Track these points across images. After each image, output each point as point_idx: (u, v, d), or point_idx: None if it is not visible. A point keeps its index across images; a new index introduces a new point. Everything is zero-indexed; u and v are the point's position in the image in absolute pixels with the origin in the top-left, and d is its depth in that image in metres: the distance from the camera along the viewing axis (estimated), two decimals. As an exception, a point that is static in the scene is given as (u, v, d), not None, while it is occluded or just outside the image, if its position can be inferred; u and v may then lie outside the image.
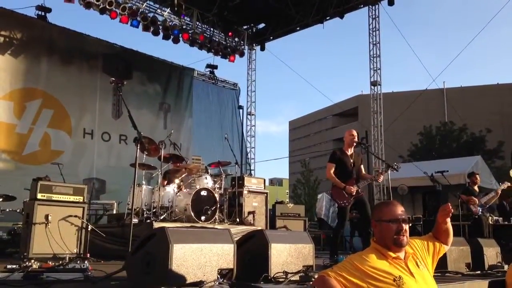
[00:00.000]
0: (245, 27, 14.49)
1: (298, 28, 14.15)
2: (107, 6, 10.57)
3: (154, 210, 6.69)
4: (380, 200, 11.89)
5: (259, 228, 6.87)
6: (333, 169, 5.94)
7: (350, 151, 6.07)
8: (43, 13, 10.71)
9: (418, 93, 21.52)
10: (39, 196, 5.86)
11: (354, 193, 5.80)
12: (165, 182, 7.26)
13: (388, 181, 6.30)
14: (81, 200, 6.18)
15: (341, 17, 13.14)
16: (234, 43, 14.07)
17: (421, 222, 9.70)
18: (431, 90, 25.61)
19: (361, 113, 42.56)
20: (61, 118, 10.52)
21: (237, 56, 13.97)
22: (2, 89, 9.74)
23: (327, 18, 13.46)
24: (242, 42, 14.24)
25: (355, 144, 6.12)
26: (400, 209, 2.37)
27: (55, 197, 5.97)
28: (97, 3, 10.38)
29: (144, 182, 7.15)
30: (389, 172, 6.11)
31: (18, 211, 6.81)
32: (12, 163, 9.47)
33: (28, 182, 6.57)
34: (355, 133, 6.15)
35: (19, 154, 9.69)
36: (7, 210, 6.88)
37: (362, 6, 12.97)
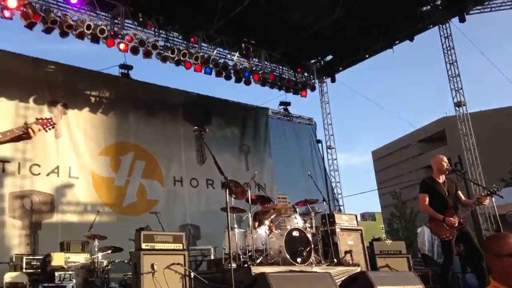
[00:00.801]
0: (312, 61, 14.68)
1: (367, 56, 14.09)
2: (181, 58, 11.20)
3: (249, 253, 6.77)
4: (489, 230, 11.11)
5: (359, 269, 6.67)
6: (427, 200, 5.61)
7: (442, 179, 5.75)
8: (126, 71, 11.59)
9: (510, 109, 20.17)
10: (143, 246, 6.17)
11: (456, 224, 5.43)
12: (256, 224, 7.38)
13: (494, 209, 5.87)
14: (181, 248, 6.41)
15: (411, 40, 12.93)
16: (304, 78, 14.26)
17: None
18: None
19: (449, 136, 40.48)
20: (153, 168, 11.13)
21: (308, 90, 14.11)
22: (98, 145, 10.55)
23: (396, 42, 13.31)
24: (311, 76, 14.40)
25: (447, 171, 5.80)
26: None
27: (158, 246, 6.25)
28: (172, 55, 11.04)
29: (236, 226, 7.31)
30: (493, 198, 5.60)
31: (126, 261, 7.22)
32: (115, 215, 10.10)
33: (130, 232, 6.99)
34: (445, 158, 5.84)
35: (120, 206, 10.33)
36: (116, 261, 7.34)
37: (431, 26, 12.70)
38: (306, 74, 14.39)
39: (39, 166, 9.54)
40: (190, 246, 8.36)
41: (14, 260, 7.28)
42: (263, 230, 7.11)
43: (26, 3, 8.89)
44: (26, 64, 10.02)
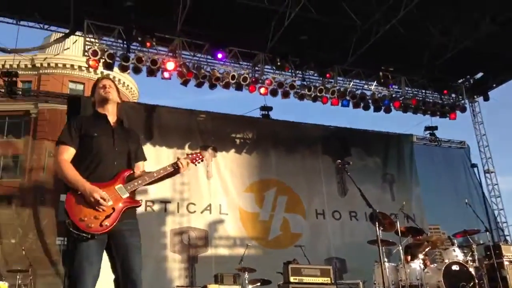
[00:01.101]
0: (460, 80, 13.54)
1: (526, 70, 12.46)
2: (318, 94, 11.34)
3: (402, 288, 6.33)
4: None
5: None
6: None
7: None
8: (266, 112, 12.18)
9: None
10: (291, 279, 6.21)
11: None
12: (409, 258, 6.90)
13: None
14: (329, 282, 6.32)
15: None
16: (451, 100, 13.18)
17: None
18: None
19: None
20: (294, 202, 11.29)
21: (458, 112, 12.95)
22: (243, 183, 11.13)
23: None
24: (460, 97, 13.23)
25: None
26: None
27: (306, 279, 6.25)
28: (309, 93, 11.25)
29: (386, 259, 6.90)
30: None
31: (274, 294, 7.30)
32: (261, 248, 10.36)
33: (276, 265, 7.07)
34: None
35: (266, 239, 10.62)
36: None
37: None
38: (453, 95, 13.28)
39: (194, 204, 10.43)
40: (337, 280, 8.09)
41: (172, 291, 7.90)
42: (417, 264, 6.70)
43: (181, 63, 10.02)
44: (182, 116, 11.23)
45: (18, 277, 7.76)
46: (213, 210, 10.49)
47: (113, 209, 2.91)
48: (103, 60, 9.25)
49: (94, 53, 9.07)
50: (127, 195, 3.00)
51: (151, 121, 10.79)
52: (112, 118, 3.26)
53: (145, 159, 3.38)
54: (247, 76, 10.59)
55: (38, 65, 24.04)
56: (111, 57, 9.30)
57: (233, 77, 10.45)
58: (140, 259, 2.99)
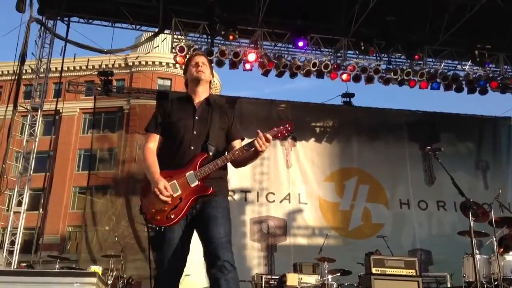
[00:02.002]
0: None
1: None
2: (405, 77, 10.79)
3: (495, 282, 5.83)
4: None
5: None
6: None
7: None
8: (348, 99, 11.87)
9: None
10: (373, 270, 6.01)
11: None
12: (501, 250, 6.33)
13: None
14: (415, 274, 6.02)
15: None
16: (558, 77, 11.78)
17: None
18: None
19: None
20: (377, 191, 10.95)
21: None
22: (323, 172, 11.01)
23: None
24: None
25: None
26: None
27: (389, 271, 6.02)
28: (395, 76, 10.73)
29: (477, 251, 6.38)
30: None
31: (355, 285, 7.14)
32: (341, 238, 10.25)
33: (356, 256, 6.90)
34: None
35: (346, 229, 10.47)
36: (346, 284, 7.34)
37: None
38: (560, 71, 11.86)
39: (273, 194, 10.55)
40: (422, 272, 7.67)
41: (255, 279, 8.06)
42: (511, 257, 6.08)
43: (263, 54, 10.13)
44: (263, 106, 11.38)
45: (110, 261, 8.37)
46: (292, 200, 10.51)
47: (181, 199, 2.74)
48: (189, 55, 9.65)
49: (181, 49, 9.46)
50: (197, 182, 2.76)
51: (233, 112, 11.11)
52: (199, 99, 3.03)
53: (241, 138, 3.05)
54: (328, 63, 10.38)
55: (130, 63, 25.89)
56: (196, 52, 9.68)
57: (314, 65, 10.30)
58: (220, 227, 2.74)
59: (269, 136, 2.82)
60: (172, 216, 2.71)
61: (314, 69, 10.29)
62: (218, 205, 2.82)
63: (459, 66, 11.49)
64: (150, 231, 2.80)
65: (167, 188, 2.72)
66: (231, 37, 9.64)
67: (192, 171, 2.79)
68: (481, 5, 9.32)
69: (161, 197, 2.70)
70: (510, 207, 9.39)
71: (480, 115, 12.33)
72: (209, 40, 9.89)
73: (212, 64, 10.04)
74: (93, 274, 4.89)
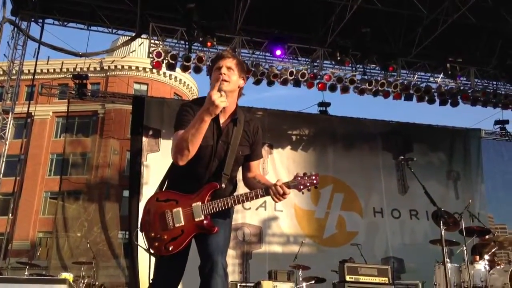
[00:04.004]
0: (537, 69, 12.51)
1: None
2: (379, 88, 10.96)
3: (466, 291, 5.96)
4: None
5: None
6: None
7: None
8: (324, 108, 11.99)
9: None
10: (347, 278, 6.06)
11: None
12: (477, 258, 6.51)
13: None
14: (387, 282, 6.11)
15: None
16: (525, 91, 12.23)
17: None
18: None
19: None
20: (351, 200, 11.08)
21: (532, 104, 12.00)
22: (300, 182, 11.05)
23: None
24: (535, 87, 12.26)
25: None
26: None
27: (362, 278, 6.08)
28: (370, 87, 10.90)
29: (448, 260, 6.52)
30: None
31: (328, 293, 7.17)
32: (315, 246, 10.30)
33: (331, 263, 6.94)
34: None
35: (321, 237, 10.54)
36: (320, 292, 7.36)
37: None
38: (528, 86, 12.32)
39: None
40: (394, 280, 7.78)
41: (229, 286, 7.97)
42: (481, 265, 6.30)
43: None
44: (239, 113, 11.38)
45: (82, 268, 8.19)
46: (268, 207, 10.51)
47: (182, 231, 2.55)
48: (166, 61, 9.59)
49: (158, 55, 9.40)
50: (201, 218, 2.55)
51: (209, 118, 11.08)
52: (224, 116, 2.68)
53: (260, 157, 2.91)
54: (305, 72, 10.48)
55: (106, 67, 25.53)
56: (174, 57, 9.59)
57: (291, 73, 10.38)
58: (218, 244, 2.61)
59: (287, 190, 2.64)
60: (170, 248, 2.55)
61: (291, 77, 10.38)
62: (220, 223, 2.67)
63: (431, 79, 11.78)
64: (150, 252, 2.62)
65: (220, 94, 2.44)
66: (209, 44, 9.64)
67: (199, 203, 2.59)
68: (453, 20, 9.60)
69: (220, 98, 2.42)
70: (480, 216, 9.62)
71: (451, 126, 12.68)
72: (187, 46, 9.85)
73: (190, 71, 10.07)
74: (63, 281, 4.78)
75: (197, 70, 9.92)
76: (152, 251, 2.57)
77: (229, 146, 2.67)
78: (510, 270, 5.78)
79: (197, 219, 2.56)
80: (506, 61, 11.64)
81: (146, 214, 2.64)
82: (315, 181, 2.70)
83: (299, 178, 2.70)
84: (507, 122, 12.57)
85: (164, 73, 25.46)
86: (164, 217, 2.57)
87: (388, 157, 11.43)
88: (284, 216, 10.52)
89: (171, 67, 9.86)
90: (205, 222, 2.56)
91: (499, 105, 11.89)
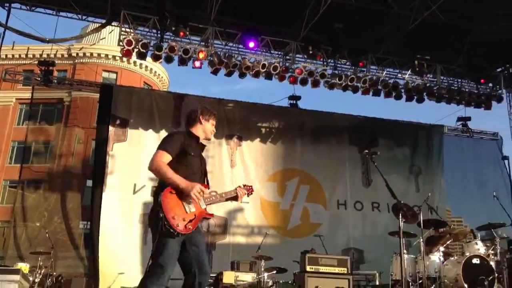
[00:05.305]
0: (499, 69, 12.93)
1: None
2: (349, 83, 11.11)
3: (420, 281, 6.16)
4: None
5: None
6: None
7: None
8: (294, 101, 12.05)
9: None
10: (308, 268, 6.16)
11: None
12: (433, 250, 6.71)
13: None
14: (346, 272, 6.23)
15: None
16: (488, 90, 12.62)
17: None
18: None
19: None
20: (316, 192, 11.24)
21: (494, 102, 12.41)
22: (266, 172, 11.16)
23: None
24: (497, 86, 12.68)
25: None
26: None
27: (322, 269, 6.19)
28: (339, 82, 11.04)
29: (405, 251, 6.72)
30: None
31: (290, 282, 7.30)
32: (279, 237, 10.43)
33: (293, 254, 7.04)
34: None
35: (285, 228, 10.66)
36: (281, 281, 7.48)
37: None
38: (491, 84, 12.71)
39: (215, 192, 10.47)
40: (354, 270, 7.97)
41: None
42: (436, 257, 6.54)
43: (213, 52, 10.07)
44: (210, 104, 11.09)
45: (39, 258, 8.05)
46: (234, 199, 10.57)
47: (195, 215, 3.43)
48: (137, 49, 9.45)
49: (129, 43, 9.25)
50: (205, 207, 3.54)
51: (179, 109, 10.99)
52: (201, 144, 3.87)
53: None
54: (277, 65, 10.52)
55: (74, 54, 24.89)
56: (144, 46, 9.46)
57: (263, 66, 10.40)
58: (206, 251, 3.56)
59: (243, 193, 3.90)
60: (190, 227, 3.38)
61: (263, 70, 10.40)
62: (204, 236, 3.79)
63: (399, 75, 12.02)
64: (165, 231, 3.27)
65: (202, 191, 3.41)
66: (181, 34, 9.58)
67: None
68: (423, 18, 9.79)
69: (199, 196, 3.41)
70: (438, 209, 9.92)
71: (416, 122, 12.95)
72: (159, 35, 9.73)
73: (161, 60, 9.96)
74: (16, 271, 4.69)
75: (169, 60, 9.84)
76: (175, 230, 3.27)
77: (203, 158, 3.84)
78: (463, 261, 5.98)
79: (203, 207, 3.51)
80: (471, 60, 12.02)
81: (167, 203, 3.35)
82: (251, 190, 3.94)
83: (245, 187, 3.91)
84: (469, 119, 12.94)
85: (134, 62, 25.02)
86: (182, 205, 3.39)
87: (354, 150, 11.62)
88: (249, 207, 10.58)
89: (141, 56, 9.73)
90: (207, 210, 3.55)
91: (463, 102, 12.24)
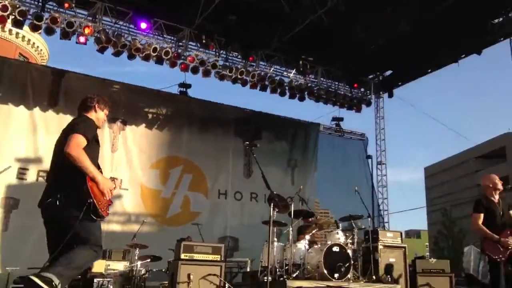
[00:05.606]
0: (370, 76, 14.28)
1: (429, 70, 13.42)
2: (238, 76, 11.39)
3: (286, 267, 6.60)
4: None
5: (398, 287, 6.29)
6: (481, 220, 5.40)
7: (496, 198, 5.55)
8: (184, 89, 11.94)
9: None
10: (182, 256, 6.22)
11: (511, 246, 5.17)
12: (299, 239, 7.24)
13: None
14: (219, 259, 6.42)
15: (479, 53, 12.03)
16: (360, 94, 13.93)
17: None
18: None
19: (509, 153, 38.10)
20: (199, 181, 11.34)
21: (363, 106, 13.75)
22: (149, 159, 10.94)
23: (462, 55, 12.52)
24: (368, 91, 14.04)
25: (502, 190, 5.59)
26: None
27: (196, 256, 6.31)
28: (230, 74, 11.25)
29: (275, 239, 7.15)
30: None
31: (163, 270, 7.31)
32: (157, 225, 10.33)
33: (171, 242, 7.06)
34: (497, 178, 5.68)
35: (163, 216, 10.59)
36: (154, 270, 7.44)
37: (502, 39, 11.76)
38: (362, 89, 14.04)
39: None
40: (228, 258, 8.28)
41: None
42: (302, 245, 7.01)
43: (101, 29, 9.53)
44: (94, 85, 10.61)
45: None
46: (113, 185, 10.21)
47: (111, 201, 3.77)
48: (13, 17, 8.69)
49: (4, 8, 8.46)
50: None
51: (58, 86, 10.20)
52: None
53: None
54: (169, 50, 10.37)
55: None
56: (22, 14, 8.72)
57: (154, 50, 10.18)
58: None
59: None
60: (108, 212, 3.74)
61: (154, 54, 10.20)
62: None
63: (285, 73, 12.65)
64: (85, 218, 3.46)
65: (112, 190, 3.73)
66: (66, 5, 9.04)
67: None
68: (310, 20, 10.34)
69: (110, 194, 3.69)
70: (308, 201, 10.69)
71: (296, 119, 13.67)
72: (40, 4, 9.03)
73: (40, 31, 9.17)
74: None
75: (49, 31, 9.17)
76: (104, 214, 3.58)
77: None
78: (325, 249, 6.53)
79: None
80: (348, 65, 13.12)
81: (93, 190, 3.50)
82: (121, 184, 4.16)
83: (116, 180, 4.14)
84: (342, 119, 14.11)
85: (10, 30, 22.55)
86: (100, 192, 3.58)
87: (239, 142, 11.89)
88: (128, 194, 10.29)
89: (18, 24, 8.96)
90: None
91: (338, 103, 13.37)
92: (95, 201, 3.45)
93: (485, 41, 11.80)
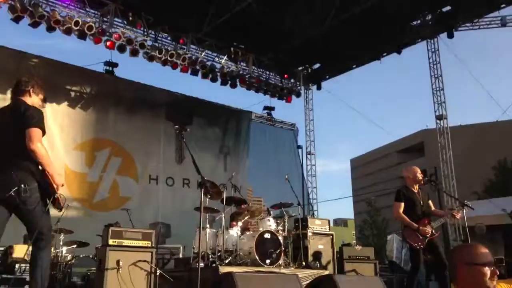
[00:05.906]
0: (300, 68, 14.67)
1: (354, 66, 14.13)
2: (169, 58, 11.13)
3: (219, 253, 6.66)
4: (456, 240, 11.18)
5: (327, 272, 6.62)
6: (402, 209, 5.73)
7: (416, 189, 5.90)
8: (110, 68, 11.41)
9: (490, 125, 20.62)
10: (110, 242, 6.00)
11: (429, 234, 5.56)
12: (234, 223, 7.32)
13: (464, 220, 5.92)
14: (150, 245, 6.28)
15: (399, 53, 12.92)
16: (290, 84, 14.27)
17: (504, 264, 8.94)
18: (506, 122, 24.36)
19: (427, 148, 41.35)
20: (128, 165, 10.99)
21: (293, 96, 14.12)
22: (73, 140, 10.38)
23: (384, 54, 13.35)
24: (298, 83, 14.42)
25: (422, 182, 5.93)
26: (489, 252, 2.22)
27: (126, 242, 6.10)
28: (159, 55, 10.94)
29: (208, 226, 7.17)
30: (464, 210, 5.77)
31: (91, 256, 7.03)
32: (84, 210, 9.92)
33: (99, 228, 6.80)
34: (419, 170, 6.01)
35: (90, 201, 10.17)
36: (81, 256, 7.14)
37: (420, 40, 12.75)
38: (292, 80, 14.40)
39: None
40: (159, 244, 8.16)
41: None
42: (234, 231, 7.07)
43: None
44: (10, 57, 9.80)
45: None
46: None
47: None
48: None
49: None
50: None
51: (-35, 58, 9.27)
52: None
53: None
54: (93, 25, 9.83)
55: None
56: None
57: (76, 23, 9.60)
58: None
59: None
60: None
61: (76, 28, 9.65)
62: None
63: (217, 58, 12.58)
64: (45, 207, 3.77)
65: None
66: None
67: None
68: (241, 7, 10.32)
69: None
70: (241, 189, 10.82)
71: (228, 106, 13.71)
72: None
73: None
74: None
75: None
76: (60, 206, 3.90)
77: None
78: (256, 236, 6.67)
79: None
80: (279, 55, 13.37)
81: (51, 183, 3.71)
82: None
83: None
84: (273, 108, 14.42)
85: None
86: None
87: (169, 126, 11.63)
88: (51, 177, 9.72)
89: None
90: None
91: (269, 93, 13.62)
92: (58, 193, 3.79)
93: (404, 41, 12.70)
